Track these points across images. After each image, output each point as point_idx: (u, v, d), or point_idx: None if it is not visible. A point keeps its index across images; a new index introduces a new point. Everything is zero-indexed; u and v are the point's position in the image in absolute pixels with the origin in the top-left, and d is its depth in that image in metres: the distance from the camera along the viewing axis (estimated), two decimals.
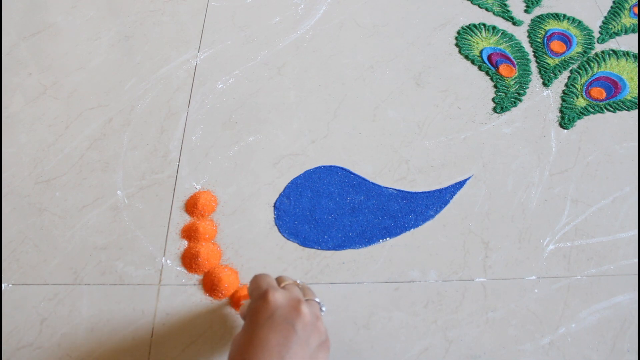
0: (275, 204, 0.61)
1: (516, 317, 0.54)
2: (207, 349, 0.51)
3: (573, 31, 0.80)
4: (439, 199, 0.62)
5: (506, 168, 0.65)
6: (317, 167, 0.64)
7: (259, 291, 0.39)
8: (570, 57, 0.77)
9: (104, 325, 0.52)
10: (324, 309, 0.43)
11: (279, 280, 0.43)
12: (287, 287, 0.41)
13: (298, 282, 0.44)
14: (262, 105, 0.71)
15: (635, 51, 0.78)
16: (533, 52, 0.78)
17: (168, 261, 0.57)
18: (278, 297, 0.38)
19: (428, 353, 0.51)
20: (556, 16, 0.82)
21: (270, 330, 0.35)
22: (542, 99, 0.72)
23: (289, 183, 0.63)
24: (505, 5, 0.84)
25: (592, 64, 0.76)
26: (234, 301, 0.53)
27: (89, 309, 0.54)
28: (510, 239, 0.59)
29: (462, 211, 0.61)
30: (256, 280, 0.41)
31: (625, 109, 0.71)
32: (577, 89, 0.73)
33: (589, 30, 0.81)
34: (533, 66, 0.76)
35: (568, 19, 0.82)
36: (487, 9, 0.83)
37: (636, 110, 0.71)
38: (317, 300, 0.42)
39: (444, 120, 0.69)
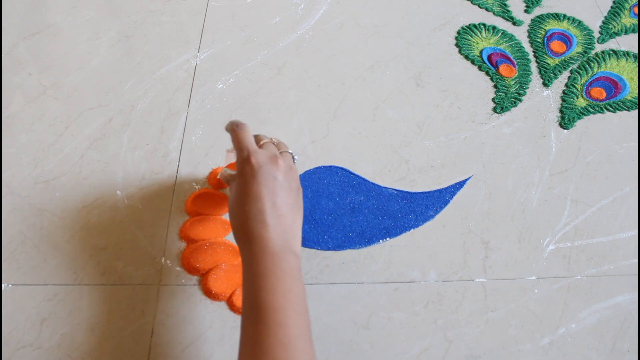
0: None
1: (516, 317, 0.54)
2: (207, 349, 0.51)
3: (573, 31, 0.80)
4: (439, 199, 0.62)
5: (506, 168, 0.65)
6: (317, 167, 0.64)
7: (242, 155, 0.47)
8: (570, 57, 0.77)
9: (104, 325, 0.52)
10: (296, 157, 0.52)
11: (257, 139, 0.50)
12: (264, 146, 0.49)
13: (273, 139, 0.51)
14: (262, 105, 0.71)
15: (635, 51, 0.78)
16: (533, 52, 0.78)
17: (168, 261, 0.57)
18: (259, 157, 0.46)
19: (428, 353, 0.51)
20: (556, 16, 0.82)
21: (259, 185, 0.44)
22: (542, 99, 0.72)
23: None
24: (505, 5, 0.84)
25: (592, 64, 0.76)
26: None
27: (89, 309, 0.54)
28: (510, 239, 0.59)
29: (462, 211, 0.61)
30: (238, 143, 0.48)
31: (625, 109, 0.71)
32: (577, 89, 0.73)
33: (589, 30, 0.81)
34: (533, 66, 0.76)
35: (568, 19, 0.82)
36: (487, 9, 0.83)
37: (636, 110, 0.71)
38: (290, 152, 0.51)
39: (444, 120, 0.69)
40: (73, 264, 0.57)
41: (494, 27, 0.80)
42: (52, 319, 0.53)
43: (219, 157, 0.65)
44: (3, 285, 0.55)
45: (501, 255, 0.58)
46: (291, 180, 0.47)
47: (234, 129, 0.49)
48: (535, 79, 0.74)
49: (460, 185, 0.63)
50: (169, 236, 0.59)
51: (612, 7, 0.84)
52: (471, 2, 0.84)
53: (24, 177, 0.63)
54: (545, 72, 0.75)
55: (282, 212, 0.45)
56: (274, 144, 0.51)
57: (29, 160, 0.65)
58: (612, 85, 0.73)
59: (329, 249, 0.58)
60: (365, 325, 0.53)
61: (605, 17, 0.83)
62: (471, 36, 0.79)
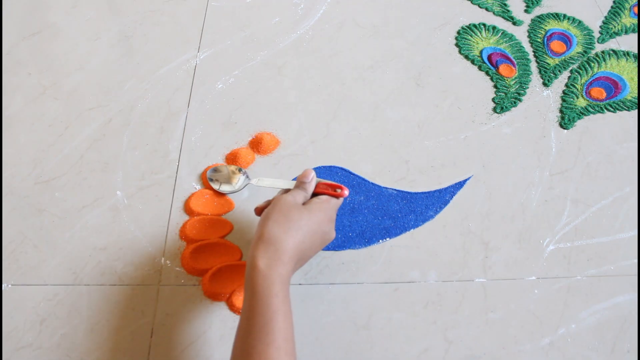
0: None
1: (516, 317, 0.54)
2: (207, 350, 0.51)
3: (573, 31, 0.80)
4: (438, 199, 0.62)
5: (506, 168, 0.65)
6: (317, 167, 0.64)
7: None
8: (570, 57, 0.77)
9: (103, 325, 0.52)
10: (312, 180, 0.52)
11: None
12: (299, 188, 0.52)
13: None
14: (262, 105, 0.71)
15: (636, 51, 0.78)
16: (533, 52, 0.78)
17: (168, 261, 0.57)
18: (283, 197, 0.49)
19: (428, 353, 0.51)
20: (556, 16, 0.82)
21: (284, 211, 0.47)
22: (542, 99, 0.72)
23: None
24: (505, 5, 0.84)
25: (592, 64, 0.76)
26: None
27: (89, 309, 0.54)
28: (510, 239, 0.59)
29: (462, 211, 0.61)
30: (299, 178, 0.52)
31: (625, 109, 0.71)
32: (577, 89, 0.73)
33: (589, 30, 0.81)
34: (533, 66, 0.76)
35: (568, 18, 0.82)
36: (487, 9, 0.83)
37: (636, 110, 0.71)
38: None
39: (444, 120, 0.69)
40: (73, 264, 0.57)
41: (494, 27, 0.80)
42: (52, 319, 0.53)
43: (219, 157, 0.65)
44: (3, 285, 0.55)
45: (501, 255, 0.58)
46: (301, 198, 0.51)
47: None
48: (535, 79, 0.74)
49: (460, 185, 0.63)
50: (169, 236, 0.59)
51: (612, 7, 0.84)
52: (471, 2, 0.84)
53: (23, 177, 0.63)
54: (545, 72, 0.75)
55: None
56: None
57: (29, 160, 0.65)
58: (612, 85, 0.73)
59: (328, 249, 0.58)
60: (365, 326, 0.53)
61: (606, 17, 0.83)
62: (471, 36, 0.79)
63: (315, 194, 0.51)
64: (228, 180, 0.62)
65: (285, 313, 0.42)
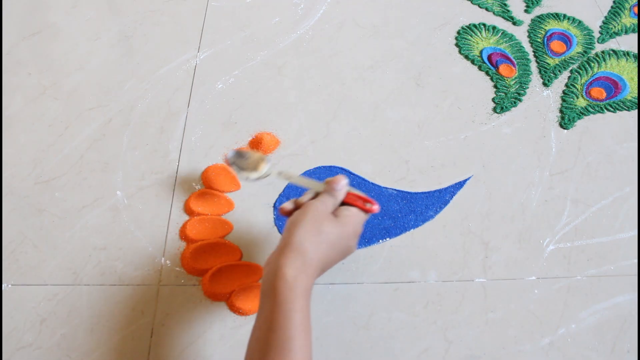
0: (275, 204, 0.61)
1: (516, 317, 0.54)
2: (206, 349, 0.51)
3: (573, 31, 0.80)
4: (438, 199, 0.62)
5: (506, 168, 0.65)
6: (317, 167, 0.64)
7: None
8: (570, 57, 0.77)
9: (103, 325, 0.52)
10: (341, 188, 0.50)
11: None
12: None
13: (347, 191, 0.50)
14: (262, 105, 0.71)
15: (636, 51, 0.78)
16: (533, 52, 0.78)
17: (168, 261, 0.57)
18: (315, 204, 0.47)
19: (428, 354, 0.51)
20: (556, 16, 0.82)
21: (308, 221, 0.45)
22: (542, 99, 0.72)
23: (288, 183, 0.63)
24: (505, 5, 0.84)
25: (592, 64, 0.76)
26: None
27: (89, 309, 0.54)
28: (510, 239, 0.59)
29: (462, 211, 0.61)
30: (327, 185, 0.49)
31: (625, 109, 0.71)
32: (577, 89, 0.73)
33: (589, 30, 0.81)
34: (533, 66, 0.76)
35: (568, 18, 0.82)
36: (487, 9, 0.83)
37: (636, 110, 0.71)
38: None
39: (444, 120, 0.69)
40: (73, 264, 0.57)
41: (494, 27, 0.80)
42: (52, 319, 0.53)
43: (219, 157, 0.65)
44: (3, 285, 0.55)
45: (501, 255, 0.58)
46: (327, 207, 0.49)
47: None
48: (535, 79, 0.74)
49: (460, 185, 0.63)
50: (169, 236, 0.59)
51: (612, 7, 0.84)
52: (471, 2, 0.84)
53: (23, 177, 0.63)
54: (545, 72, 0.75)
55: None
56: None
57: (29, 160, 0.65)
58: (612, 85, 0.73)
59: None
60: (365, 326, 0.53)
61: (606, 17, 0.83)
62: (471, 36, 0.79)
63: (343, 203, 0.49)
64: (255, 168, 0.56)
65: (307, 331, 0.40)
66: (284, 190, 0.62)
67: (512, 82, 0.74)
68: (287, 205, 0.48)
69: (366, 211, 0.48)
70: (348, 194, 0.48)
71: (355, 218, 0.47)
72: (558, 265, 0.57)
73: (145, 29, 0.80)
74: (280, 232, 0.59)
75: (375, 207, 0.48)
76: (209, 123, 0.69)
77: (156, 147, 0.66)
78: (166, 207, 0.61)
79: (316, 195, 0.48)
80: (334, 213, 0.47)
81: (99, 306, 0.54)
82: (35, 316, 0.53)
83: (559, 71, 0.75)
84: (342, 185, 0.48)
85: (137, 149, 0.66)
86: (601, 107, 0.71)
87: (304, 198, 0.48)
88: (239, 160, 0.56)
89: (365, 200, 0.48)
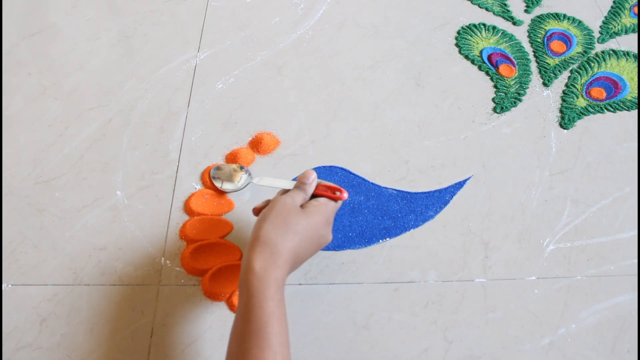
0: None
1: (516, 317, 0.54)
2: (206, 349, 0.51)
3: (573, 31, 0.80)
4: (438, 199, 0.62)
5: (506, 168, 0.65)
6: (317, 167, 0.64)
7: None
8: (570, 57, 0.77)
9: (103, 325, 0.52)
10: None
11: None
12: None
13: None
14: (262, 105, 0.71)
15: (636, 51, 0.78)
16: (533, 52, 0.78)
17: (168, 261, 0.57)
18: (282, 198, 0.49)
19: (428, 354, 0.51)
20: (556, 16, 0.82)
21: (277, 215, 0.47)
22: (542, 99, 0.72)
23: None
24: (505, 5, 0.84)
25: (592, 64, 0.76)
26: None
27: (89, 309, 0.54)
28: (510, 239, 0.59)
29: (462, 211, 0.61)
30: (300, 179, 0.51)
31: (625, 109, 0.71)
32: (577, 89, 0.73)
33: (589, 30, 0.81)
34: (533, 66, 0.76)
35: (568, 18, 0.82)
36: (487, 9, 0.83)
37: (636, 110, 0.71)
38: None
39: (444, 120, 0.69)
40: (73, 264, 0.57)
41: (494, 27, 0.80)
42: (52, 319, 0.53)
43: (219, 157, 0.65)
44: (3, 285, 0.55)
45: (501, 255, 0.58)
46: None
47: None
48: (535, 79, 0.74)
49: (460, 185, 0.63)
50: (169, 236, 0.59)
51: (612, 7, 0.84)
52: (471, 2, 0.84)
53: (24, 177, 0.63)
54: (545, 72, 0.75)
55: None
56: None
57: (29, 160, 0.65)
58: (612, 85, 0.73)
59: (328, 249, 0.58)
60: (365, 326, 0.53)
61: (606, 17, 0.83)
62: (471, 36, 0.79)
63: (314, 195, 0.51)
64: (230, 179, 0.62)
65: (280, 316, 0.42)
66: None
67: (512, 82, 0.74)
68: (260, 205, 0.51)
69: (335, 199, 0.49)
70: (318, 186, 0.50)
71: (323, 207, 0.48)
72: (558, 265, 0.57)
73: (145, 29, 0.80)
74: None
75: (345, 195, 0.50)
76: (209, 123, 0.69)
77: (156, 147, 0.66)
78: (166, 207, 0.61)
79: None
80: (303, 206, 0.48)
81: (99, 306, 0.54)
82: (35, 316, 0.53)
83: (559, 71, 0.75)
84: (312, 179, 0.50)
85: (137, 149, 0.66)
86: (601, 107, 0.71)
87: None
88: (218, 172, 0.62)
89: (335, 189, 0.50)
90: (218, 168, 0.63)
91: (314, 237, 0.47)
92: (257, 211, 0.51)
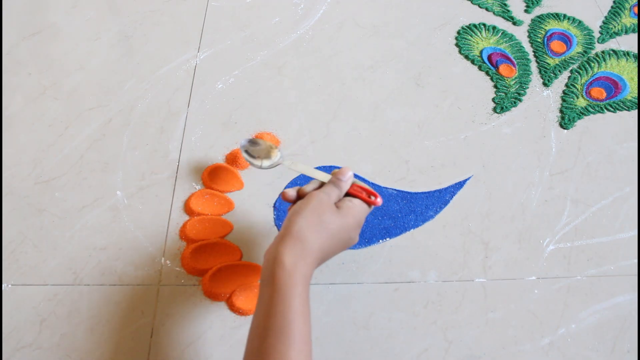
0: (274, 204, 0.61)
1: (516, 317, 0.54)
2: (206, 349, 0.51)
3: (573, 31, 0.80)
4: (438, 199, 0.62)
5: (506, 168, 0.65)
6: (317, 167, 0.64)
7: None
8: (570, 57, 0.77)
9: (103, 325, 0.52)
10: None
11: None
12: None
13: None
14: (262, 105, 0.71)
15: (636, 51, 0.78)
16: (533, 52, 0.78)
17: (168, 261, 0.57)
18: (318, 194, 0.47)
19: (428, 354, 0.51)
20: (556, 16, 0.82)
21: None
22: (542, 99, 0.72)
23: (288, 183, 0.63)
24: (505, 5, 0.84)
25: (592, 64, 0.76)
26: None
27: (89, 309, 0.54)
28: (510, 239, 0.59)
29: (462, 211, 0.61)
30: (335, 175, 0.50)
31: (625, 109, 0.71)
32: (577, 89, 0.73)
33: (589, 30, 0.81)
34: (533, 66, 0.76)
35: (568, 18, 0.82)
36: (487, 9, 0.83)
37: (636, 110, 0.71)
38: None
39: (444, 120, 0.69)
40: (73, 264, 0.57)
41: (494, 27, 0.80)
42: (52, 319, 0.53)
43: (219, 156, 0.65)
44: (3, 285, 0.55)
45: (501, 255, 0.58)
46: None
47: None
48: (535, 79, 0.74)
49: (460, 185, 0.63)
50: (169, 236, 0.59)
51: (612, 7, 0.84)
52: (471, 2, 0.84)
53: (24, 177, 0.63)
54: (545, 72, 0.75)
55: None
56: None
57: (29, 160, 0.65)
58: (612, 85, 0.73)
59: None
60: (365, 326, 0.53)
61: (606, 17, 0.83)
62: (471, 36, 0.79)
63: (347, 194, 0.49)
64: (268, 155, 0.57)
65: (305, 315, 0.41)
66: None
67: (512, 82, 0.74)
68: (291, 192, 0.49)
69: (369, 203, 0.48)
70: (352, 185, 0.49)
71: (357, 209, 0.47)
72: (558, 265, 0.57)
73: (145, 29, 0.80)
74: None
75: (379, 200, 0.48)
76: (209, 123, 0.69)
77: (156, 147, 0.66)
78: (166, 207, 0.61)
79: (321, 185, 0.49)
80: (337, 204, 0.47)
81: (99, 306, 0.54)
82: (35, 316, 0.53)
83: (559, 71, 0.75)
84: (348, 176, 0.49)
85: (137, 149, 0.66)
86: (601, 107, 0.71)
87: (308, 187, 0.49)
88: (251, 147, 0.57)
89: (370, 193, 0.48)
90: (253, 142, 0.57)
91: (344, 238, 0.46)
92: (287, 198, 0.49)
